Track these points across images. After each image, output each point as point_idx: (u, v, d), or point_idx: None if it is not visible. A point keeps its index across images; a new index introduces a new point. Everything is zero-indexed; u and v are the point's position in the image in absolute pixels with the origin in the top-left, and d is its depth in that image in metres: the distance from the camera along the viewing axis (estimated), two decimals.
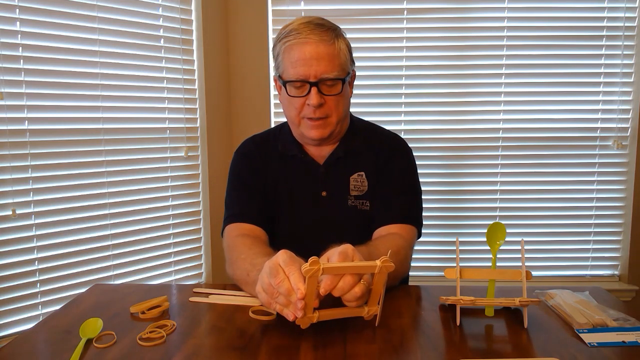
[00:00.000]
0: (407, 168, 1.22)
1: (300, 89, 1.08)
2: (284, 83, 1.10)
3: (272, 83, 2.05)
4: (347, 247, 0.80)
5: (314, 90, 1.06)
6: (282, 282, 0.75)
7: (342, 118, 1.13)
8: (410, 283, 1.19)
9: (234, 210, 1.18)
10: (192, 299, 0.97)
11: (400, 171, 1.20)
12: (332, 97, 1.08)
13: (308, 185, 1.18)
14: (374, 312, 0.82)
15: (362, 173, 1.17)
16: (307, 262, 0.73)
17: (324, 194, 1.18)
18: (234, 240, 1.10)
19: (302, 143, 1.20)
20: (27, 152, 1.53)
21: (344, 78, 1.08)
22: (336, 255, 0.78)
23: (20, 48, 1.51)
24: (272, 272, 0.77)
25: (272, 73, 2.04)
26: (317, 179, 1.18)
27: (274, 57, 1.14)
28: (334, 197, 1.17)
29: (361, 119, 1.28)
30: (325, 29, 1.07)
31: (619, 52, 2.00)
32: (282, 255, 0.79)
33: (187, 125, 1.95)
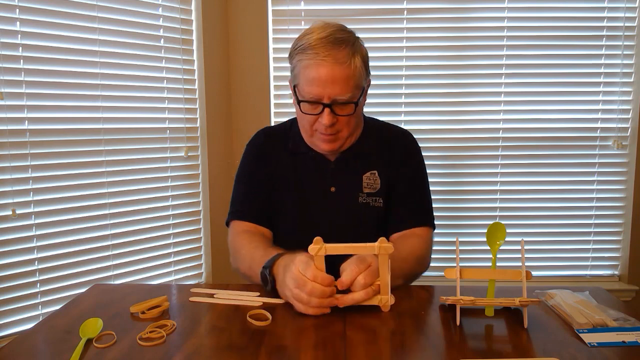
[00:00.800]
0: (419, 169, 1.25)
1: (314, 107, 1.09)
2: (299, 101, 1.11)
3: (272, 83, 2.05)
4: (365, 256, 0.88)
5: (326, 111, 1.07)
6: (313, 289, 0.83)
7: (353, 131, 1.16)
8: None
9: (237, 207, 1.23)
10: (192, 299, 0.97)
11: (413, 174, 1.23)
12: (344, 117, 1.10)
13: (317, 181, 1.20)
14: (386, 300, 0.87)
15: (375, 172, 1.20)
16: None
17: (332, 189, 1.19)
18: (236, 237, 1.17)
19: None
20: (27, 152, 1.53)
21: (357, 100, 1.10)
22: (354, 263, 0.86)
23: (20, 48, 1.51)
24: (299, 283, 0.84)
25: (272, 73, 2.04)
26: (327, 174, 1.20)
27: (290, 62, 1.15)
28: (344, 193, 1.19)
29: (373, 119, 1.30)
30: (343, 47, 1.07)
31: (619, 52, 2.00)
32: (300, 264, 0.86)
33: (187, 125, 1.95)
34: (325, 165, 1.20)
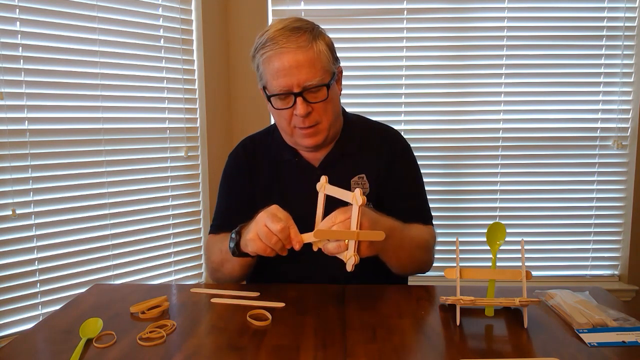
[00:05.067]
0: (411, 168, 1.21)
1: (286, 101, 1.06)
2: (269, 97, 1.08)
3: None
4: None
5: (299, 100, 1.03)
6: (283, 230, 0.89)
7: (334, 121, 1.12)
8: (410, 283, 1.19)
9: (217, 221, 1.22)
10: (193, 290, 0.97)
11: (406, 173, 1.19)
12: (319, 104, 1.06)
13: (303, 189, 1.13)
14: (350, 257, 0.86)
15: (363, 175, 1.15)
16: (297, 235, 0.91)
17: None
18: (210, 243, 1.18)
19: (295, 148, 1.17)
20: (27, 152, 1.53)
21: (328, 82, 1.06)
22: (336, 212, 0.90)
23: (20, 48, 1.51)
24: (274, 219, 0.90)
25: None
26: (312, 181, 1.11)
27: (254, 68, 1.11)
28: (331, 200, 1.16)
29: (354, 114, 1.25)
30: (302, 33, 1.04)
31: (619, 52, 2.00)
32: (276, 208, 0.93)
33: (187, 125, 1.95)
34: (310, 171, 1.15)
